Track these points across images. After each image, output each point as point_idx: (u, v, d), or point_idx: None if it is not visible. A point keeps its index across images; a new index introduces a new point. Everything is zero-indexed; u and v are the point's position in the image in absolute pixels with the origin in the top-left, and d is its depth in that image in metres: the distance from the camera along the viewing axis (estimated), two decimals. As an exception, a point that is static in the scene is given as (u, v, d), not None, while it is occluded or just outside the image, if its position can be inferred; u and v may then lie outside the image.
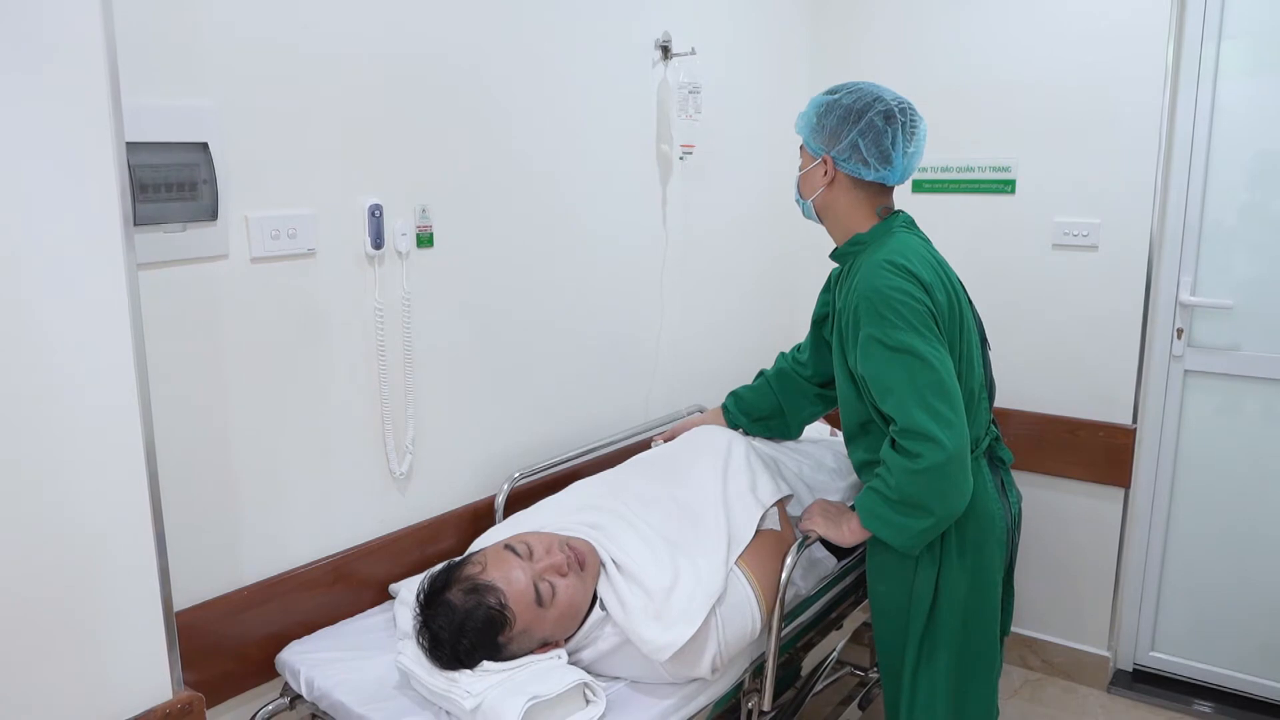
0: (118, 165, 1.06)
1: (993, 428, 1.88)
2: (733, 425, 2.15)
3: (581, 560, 1.56)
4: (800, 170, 1.84)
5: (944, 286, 1.70)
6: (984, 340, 1.88)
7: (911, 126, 1.76)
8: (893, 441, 1.64)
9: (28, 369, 0.99)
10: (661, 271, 2.52)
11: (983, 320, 1.92)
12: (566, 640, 1.55)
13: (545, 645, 1.52)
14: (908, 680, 1.80)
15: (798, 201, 1.88)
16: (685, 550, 1.64)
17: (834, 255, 1.86)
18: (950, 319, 1.69)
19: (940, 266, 1.75)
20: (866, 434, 1.81)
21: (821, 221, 1.86)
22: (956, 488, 1.61)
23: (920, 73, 2.87)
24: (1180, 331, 2.65)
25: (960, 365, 1.71)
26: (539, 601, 1.48)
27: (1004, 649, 1.98)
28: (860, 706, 2.49)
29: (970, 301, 1.83)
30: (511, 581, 1.48)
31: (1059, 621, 2.89)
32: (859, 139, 1.73)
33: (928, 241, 1.83)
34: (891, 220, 1.80)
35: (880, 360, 1.63)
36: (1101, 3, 2.56)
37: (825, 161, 1.77)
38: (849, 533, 1.76)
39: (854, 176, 1.76)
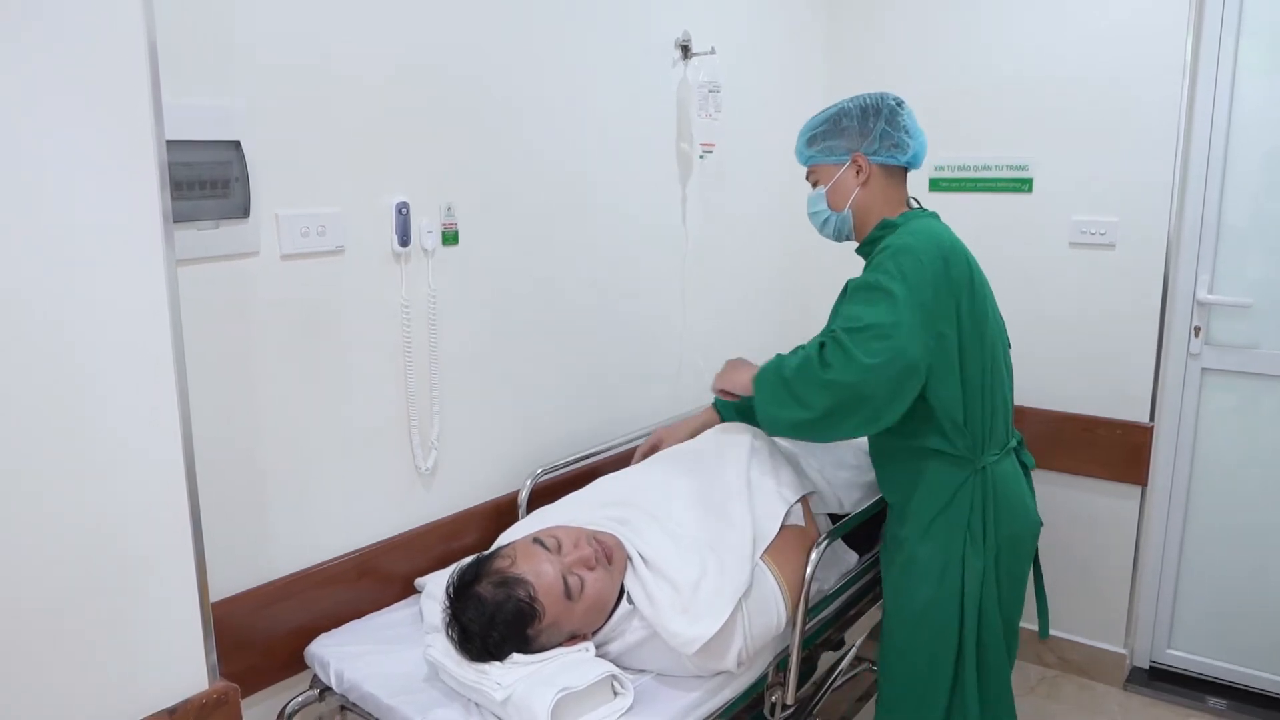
0: (158, 163, 1.07)
1: (1016, 430, 1.88)
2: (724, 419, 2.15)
3: (609, 554, 1.57)
4: (825, 187, 1.86)
5: (967, 271, 1.72)
6: (1007, 342, 1.89)
7: (910, 113, 1.86)
8: (821, 345, 1.66)
9: (70, 366, 1.01)
10: (682, 269, 2.53)
11: (1004, 321, 1.92)
12: (594, 633, 1.57)
13: (573, 638, 1.53)
14: (942, 694, 1.77)
15: (826, 222, 1.89)
16: (711, 545, 1.65)
17: (862, 246, 1.87)
18: (972, 303, 1.71)
19: (970, 259, 1.76)
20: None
21: (850, 233, 1.89)
22: (852, 416, 1.64)
23: (937, 71, 2.88)
24: (1198, 330, 2.65)
25: (983, 354, 1.73)
26: (568, 595, 1.49)
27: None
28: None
29: (994, 299, 1.84)
30: (541, 575, 1.49)
31: (1076, 619, 2.89)
32: (886, 127, 1.81)
33: (953, 234, 1.84)
34: (921, 211, 1.85)
35: (854, 297, 1.68)
36: (1119, 0, 2.56)
37: (856, 160, 1.82)
38: (741, 381, 1.83)
39: (886, 165, 1.82)
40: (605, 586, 1.55)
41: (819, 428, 1.68)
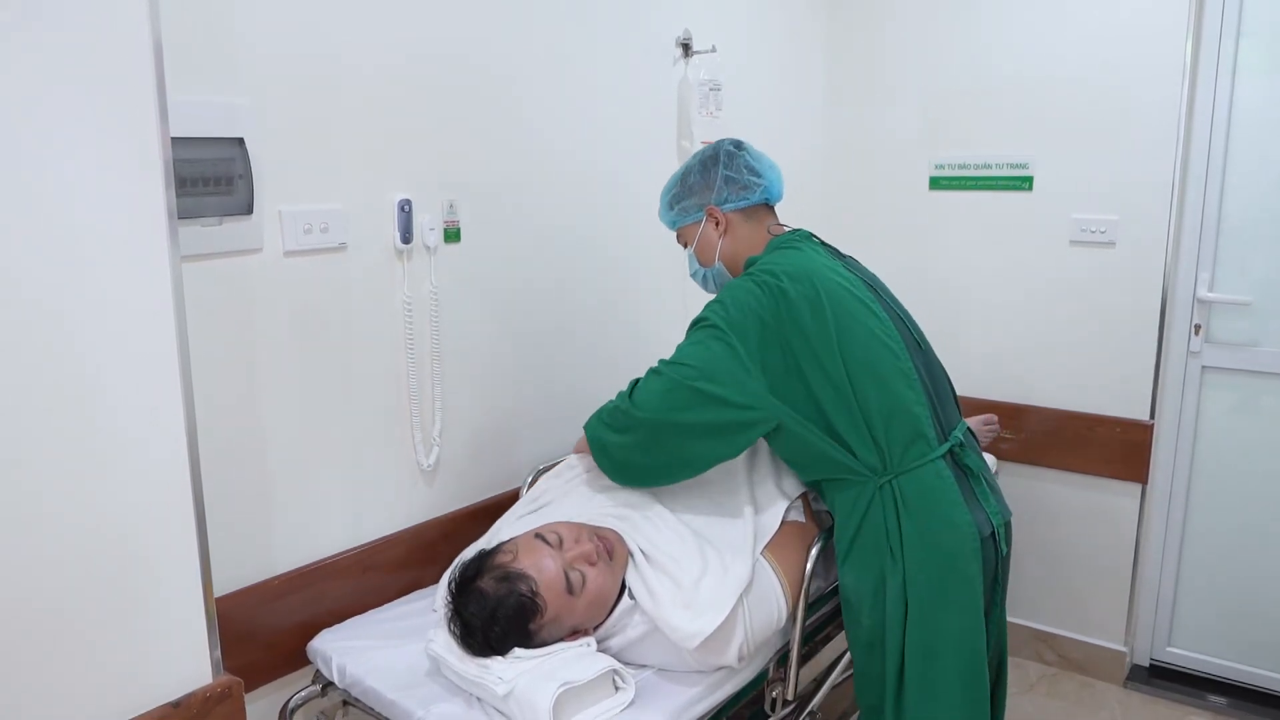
0: (163, 161, 1.08)
1: (955, 434, 1.73)
2: None
3: (610, 549, 1.58)
4: (691, 248, 1.91)
5: (812, 297, 1.64)
6: (917, 344, 1.78)
7: (754, 150, 1.89)
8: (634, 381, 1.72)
9: (75, 362, 1.01)
10: (683, 266, 2.53)
11: (920, 325, 1.85)
12: (596, 628, 1.58)
13: (575, 633, 1.54)
14: (890, 715, 1.70)
15: (705, 279, 1.93)
16: (712, 541, 1.66)
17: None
18: (819, 323, 1.63)
19: (811, 277, 1.67)
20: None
21: (724, 281, 1.89)
22: (640, 452, 1.70)
23: (937, 71, 2.88)
24: (1198, 328, 2.66)
25: (848, 369, 1.63)
26: (569, 590, 1.50)
27: (1006, 671, 1.90)
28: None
29: (891, 307, 1.77)
30: (543, 570, 1.50)
31: (1076, 616, 2.90)
32: (725, 172, 1.84)
33: (821, 251, 1.80)
34: (783, 238, 1.83)
35: (689, 331, 1.71)
36: (1119, 0, 2.57)
37: (710, 213, 1.85)
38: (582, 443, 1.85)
39: (741, 209, 1.85)
40: (607, 582, 1.55)
41: (617, 458, 1.74)
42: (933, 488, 1.66)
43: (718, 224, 1.85)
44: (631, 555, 1.63)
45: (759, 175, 1.85)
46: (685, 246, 1.94)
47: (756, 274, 1.70)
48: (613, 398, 1.78)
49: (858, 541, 1.68)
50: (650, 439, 1.68)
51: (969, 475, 1.73)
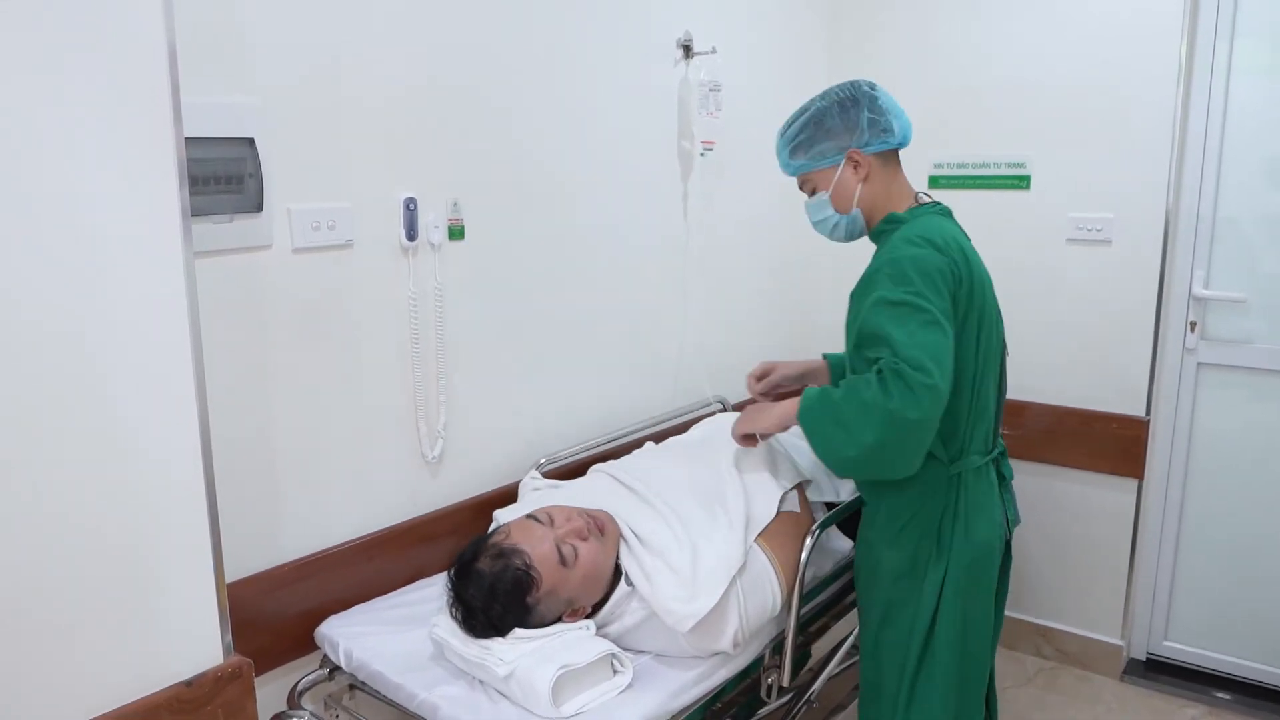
0: (178, 162, 1.11)
1: (1000, 440, 1.83)
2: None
3: (601, 526, 1.65)
4: (827, 192, 1.79)
5: (966, 275, 1.66)
6: (1004, 346, 1.84)
7: (884, 91, 1.80)
8: (878, 369, 1.57)
9: (93, 355, 1.05)
10: (683, 264, 2.58)
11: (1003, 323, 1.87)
12: (594, 610, 1.62)
13: (574, 612, 1.59)
14: (904, 695, 1.74)
15: (835, 227, 1.83)
16: (704, 531, 1.70)
17: (872, 235, 1.83)
18: (969, 307, 1.66)
19: (967, 256, 1.70)
20: None
21: (861, 231, 1.83)
22: (899, 454, 1.58)
23: (936, 71, 2.91)
24: (1193, 325, 2.69)
25: (977, 361, 1.69)
26: (563, 562, 1.56)
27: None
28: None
29: (996, 303, 1.79)
30: (536, 544, 1.57)
31: (1073, 610, 2.93)
32: (870, 114, 1.74)
33: (962, 232, 1.80)
34: (930, 207, 1.80)
35: (886, 315, 1.58)
36: (1115, 1, 2.60)
37: (851, 156, 1.75)
38: (771, 415, 1.75)
39: (880, 153, 1.76)
40: (599, 555, 1.61)
41: (881, 468, 1.63)
42: (987, 488, 1.76)
43: (857, 168, 1.75)
44: (625, 539, 1.67)
45: (895, 117, 1.76)
46: (812, 193, 1.82)
47: (923, 241, 1.64)
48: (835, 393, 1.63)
49: (912, 523, 1.73)
50: (911, 437, 1.58)
51: (1002, 483, 1.83)
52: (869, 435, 1.56)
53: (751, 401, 2.03)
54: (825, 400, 1.64)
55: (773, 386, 2.07)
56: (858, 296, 1.72)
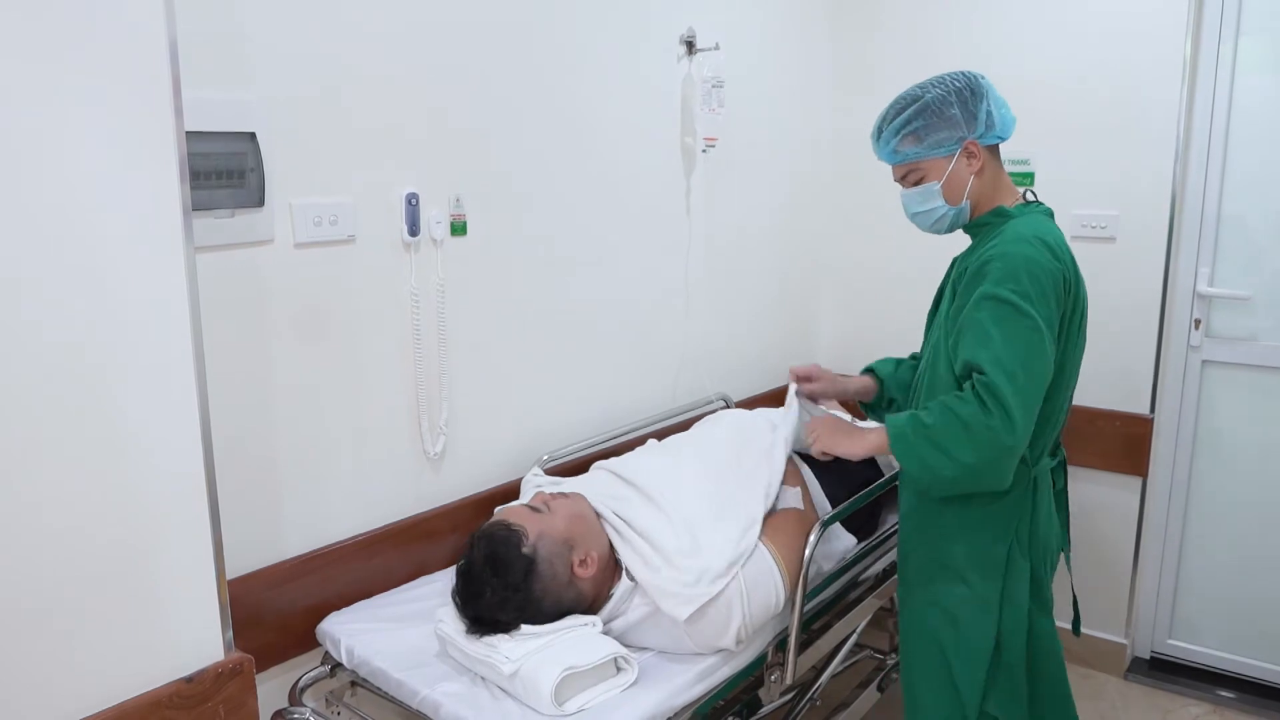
0: (179, 157, 1.11)
1: (1061, 449, 1.83)
2: (879, 399, 2.06)
3: (566, 495, 1.74)
4: (938, 182, 1.72)
5: (1074, 282, 1.65)
6: None
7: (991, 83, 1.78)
8: (973, 385, 1.56)
9: (95, 349, 1.05)
10: (686, 260, 2.57)
11: None
12: (600, 606, 1.63)
13: (583, 562, 1.62)
14: (979, 686, 1.76)
15: (941, 219, 1.76)
16: (706, 526, 1.70)
17: (971, 225, 1.78)
18: (1071, 314, 1.65)
19: (1075, 263, 1.68)
20: None
21: (965, 222, 1.79)
22: (996, 471, 1.59)
23: (940, 67, 2.87)
24: (1198, 322, 2.68)
25: (1068, 368, 1.68)
26: (536, 511, 1.66)
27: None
28: (879, 689, 2.53)
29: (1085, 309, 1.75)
30: (508, 510, 1.69)
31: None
32: (989, 107, 1.71)
33: (1061, 233, 1.75)
34: (1036, 206, 1.77)
35: (990, 312, 1.57)
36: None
37: (969, 148, 1.70)
38: (860, 444, 1.74)
39: (991, 146, 1.73)
40: (571, 506, 1.71)
41: (974, 483, 1.62)
42: (1050, 490, 1.78)
43: (971, 159, 1.71)
44: (622, 534, 1.69)
45: (1007, 110, 1.74)
46: (916, 183, 1.75)
47: (1043, 244, 1.61)
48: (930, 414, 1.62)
49: (991, 518, 1.71)
50: (1010, 455, 1.58)
51: (1056, 494, 1.85)
52: (968, 455, 1.56)
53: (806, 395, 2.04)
54: (917, 426, 1.62)
55: (818, 394, 2.07)
56: (965, 285, 1.67)
